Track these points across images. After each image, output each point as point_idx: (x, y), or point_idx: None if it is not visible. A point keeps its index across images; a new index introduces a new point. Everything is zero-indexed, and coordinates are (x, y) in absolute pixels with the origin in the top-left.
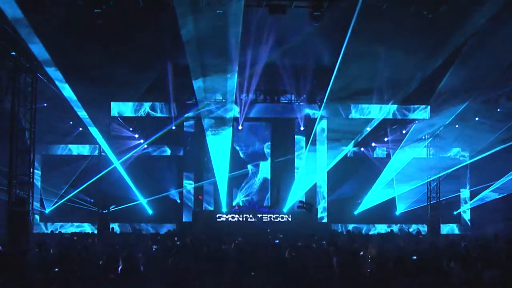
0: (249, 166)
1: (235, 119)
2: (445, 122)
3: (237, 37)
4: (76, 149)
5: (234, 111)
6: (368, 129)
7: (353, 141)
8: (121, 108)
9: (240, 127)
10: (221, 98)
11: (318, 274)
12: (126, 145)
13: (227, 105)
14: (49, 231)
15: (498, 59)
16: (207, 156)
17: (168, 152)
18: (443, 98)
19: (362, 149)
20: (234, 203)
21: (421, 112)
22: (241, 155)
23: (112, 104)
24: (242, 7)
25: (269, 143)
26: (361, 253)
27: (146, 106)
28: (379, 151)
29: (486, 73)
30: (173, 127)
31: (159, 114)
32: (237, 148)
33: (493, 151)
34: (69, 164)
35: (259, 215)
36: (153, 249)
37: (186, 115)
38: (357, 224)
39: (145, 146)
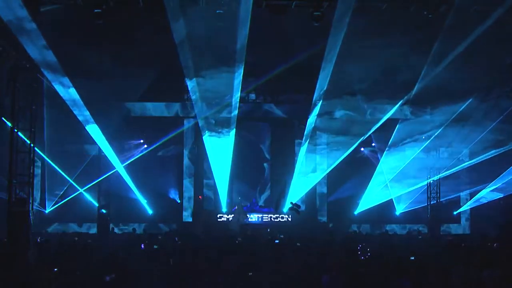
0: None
1: (236, 120)
2: (443, 121)
3: (242, 37)
4: (77, 149)
5: (235, 111)
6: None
7: (357, 141)
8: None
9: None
10: (222, 98)
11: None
12: (127, 145)
13: (229, 105)
14: (49, 231)
15: (498, 59)
16: (207, 156)
17: (168, 152)
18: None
19: (362, 149)
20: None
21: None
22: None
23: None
24: (250, 7)
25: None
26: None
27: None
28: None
29: (486, 73)
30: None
31: (166, 114)
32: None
33: (493, 151)
34: (69, 164)
35: (259, 215)
36: (153, 249)
37: (186, 115)
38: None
39: (145, 146)
